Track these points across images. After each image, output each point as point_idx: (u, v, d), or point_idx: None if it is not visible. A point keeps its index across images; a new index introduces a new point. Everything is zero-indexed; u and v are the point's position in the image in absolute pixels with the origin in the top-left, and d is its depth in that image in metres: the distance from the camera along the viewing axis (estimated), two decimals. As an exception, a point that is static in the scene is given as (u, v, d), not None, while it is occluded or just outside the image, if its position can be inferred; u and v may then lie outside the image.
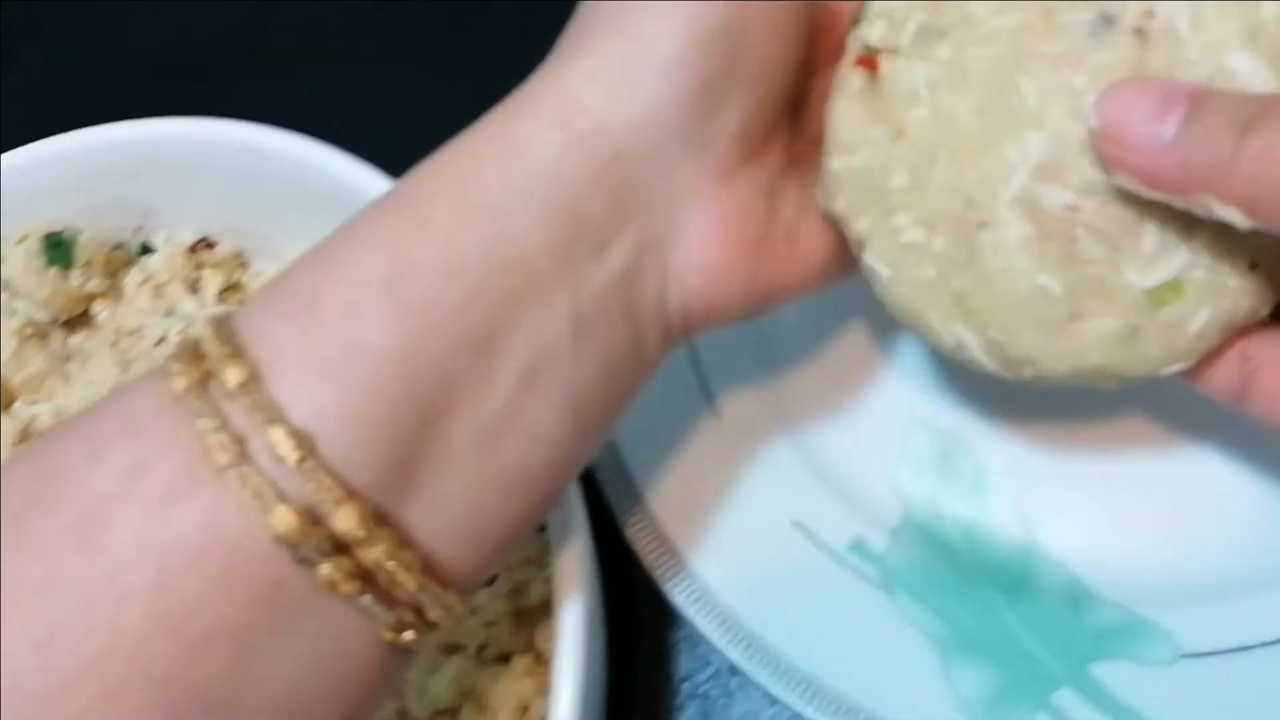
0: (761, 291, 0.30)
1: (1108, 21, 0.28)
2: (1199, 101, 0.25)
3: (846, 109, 0.30)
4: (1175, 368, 0.29)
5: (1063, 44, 0.28)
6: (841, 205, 0.30)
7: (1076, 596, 0.35)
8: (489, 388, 0.25)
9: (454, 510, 0.25)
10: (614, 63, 0.27)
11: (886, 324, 0.35)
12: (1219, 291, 0.28)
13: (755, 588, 0.36)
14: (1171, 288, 0.28)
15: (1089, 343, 0.28)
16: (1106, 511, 0.36)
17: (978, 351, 0.29)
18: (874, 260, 0.30)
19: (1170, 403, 0.37)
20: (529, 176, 0.26)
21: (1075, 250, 0.28)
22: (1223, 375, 0.29)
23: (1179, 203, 0.26)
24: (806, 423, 0.38)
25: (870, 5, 0.30)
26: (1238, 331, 0.29)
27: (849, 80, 0.30)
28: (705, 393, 0.39)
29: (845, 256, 0.31)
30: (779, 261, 0.30)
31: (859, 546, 0.36)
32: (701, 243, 0.28)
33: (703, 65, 0.27)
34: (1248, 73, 0.27)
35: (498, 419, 0.25)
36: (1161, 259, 0.28)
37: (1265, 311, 0.29)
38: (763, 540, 0.36)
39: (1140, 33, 0.28)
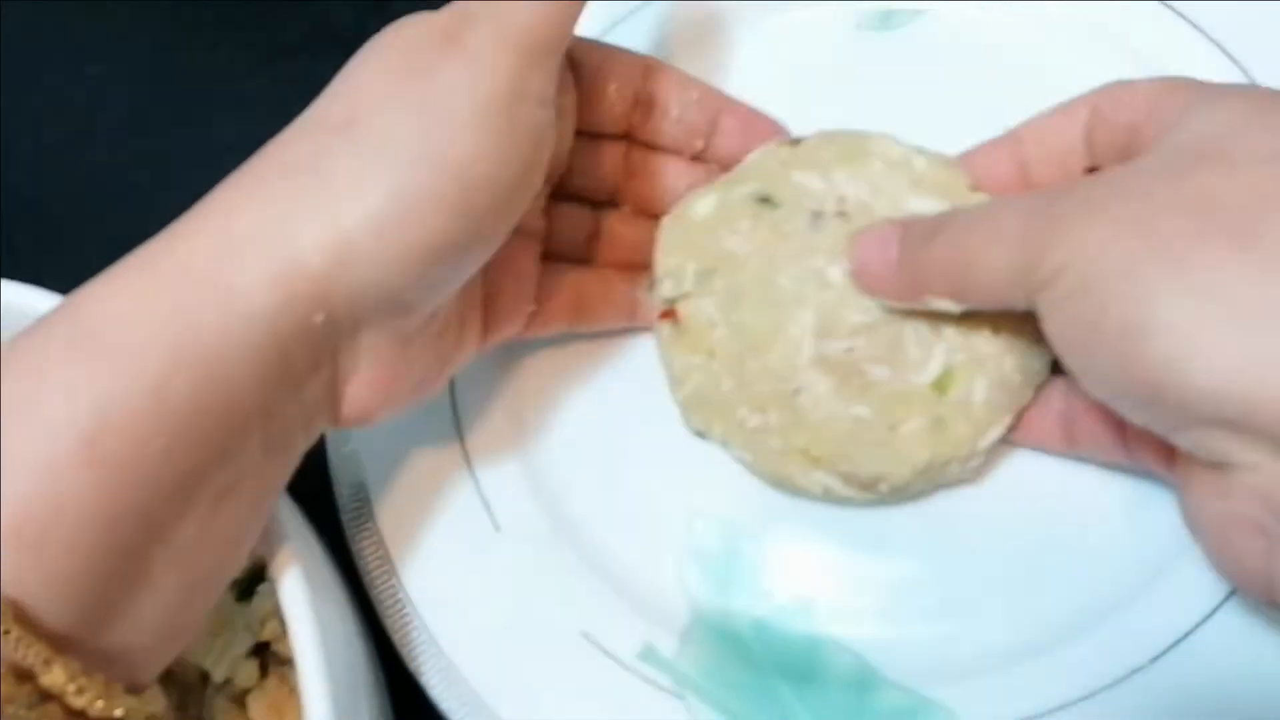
0: (418, 395, 0.33)
1: (817, 216, 0.37)
2: (904, 229, 0.34)
3: (669, 352, 0.38)
4: (993, 436, 0.35)
5: (795, 244, 0.37)
6: (698, 422, 0.38)
7: (864, 680, 0.35)
8: (186, 516, 0.26)
9: (152, 625, 0.26)
10: (345, 224, 0.27)
11: (660, 417, 0.38)
12: (981, 362, 0.35)
13: (545, 706, 0.35)
14: (946, 376, 0.35)
15: (912, 443, 0.35)
16: (886, 590, 0.36)
17: (840, 487, 0.36)
18: (737, 452, 0.37)
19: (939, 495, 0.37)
20: (248, 331, 0.27)
21: (868, 379, 0.35)
22: (1049, 431, 0.36)
23: (917, 305, 0.34)
24: (590, 527, 0.38)
25: (657, 270, 0.38)
26: (1047, 389, 0.35)
27: (661, 330, 0.38)
28: (487, 510, 0.38)
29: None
30: (437, 371, 0.34)
31: (649, 654, 0.36)
32: (372, 384, 0.31)
33: (432, 243, 0.28)
34: (928, 209, 0.36)
35: (193, 540, 0.27)
36: (928, 359, 0.35)
37: (1042, 364, 0.36)
38: (551, 655, 0.36)
39: (842, 214, 0.37)
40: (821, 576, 0.37)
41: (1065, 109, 0.35)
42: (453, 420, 0.40)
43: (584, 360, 0.40)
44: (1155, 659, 0.34)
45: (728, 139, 0.38)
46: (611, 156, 0.38)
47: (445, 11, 0.31)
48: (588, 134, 0.37)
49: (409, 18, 0.31)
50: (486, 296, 0.35)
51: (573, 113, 0.36)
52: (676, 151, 0.38)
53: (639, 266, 0.39)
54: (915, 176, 0.37)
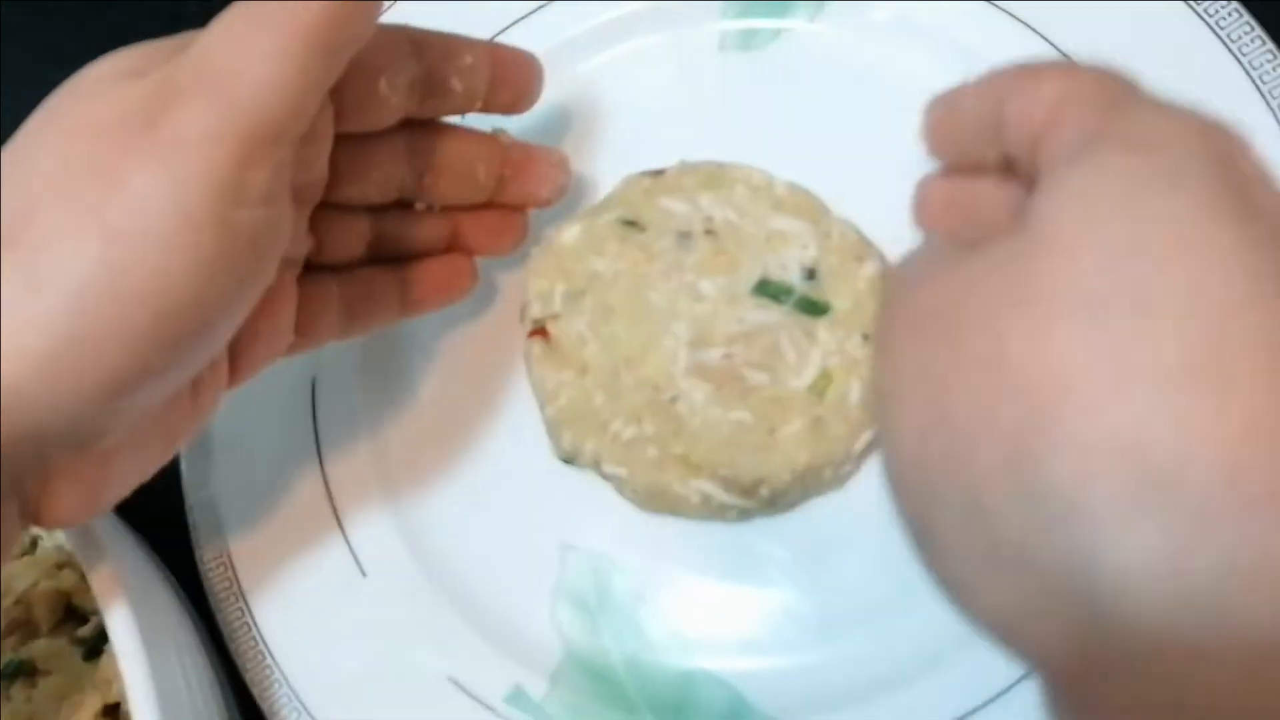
0: (144, 477, 0.30)
1: (685, 236, 0.38)
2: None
3: (539, 370, 0.37)
4: (867, 437, 0.36)
5: (665, 262, 0.37)
6: (568, 441, 0.37)
7: (735, 714, 0.35)
8: None
9: None
10: (8, 369, 0.24)
11: (531, 450, 0.38)
12: (855, 364, 0.36)
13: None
14: (823, 379, 0.36)
15: (792, 445, 0.35)
16: (759, 621, 0.36)
17: (720, 494, 0.35)
18: (610, 469, 0.36)
19: (806, 515, 0.37)
20: None
21: (746, 384, 0.36)
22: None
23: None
24: (459, 567, 0.37)
25: (528, 289, 0.38)
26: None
27: (531, 348, 0.37)
28: (352, 553, 0.38)
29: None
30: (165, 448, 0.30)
31: (517, 696, 0.36)
32: (71, 498, 0.28)
33: (119, 379, 0.25)
34: (790, 227, 0.37)
35: None
36: (805, 363, 0.36)
37: None
38: (416, 702, 0.36)
39: (710, 232, 0.38)
40: (695, 608, 0.36)
41: (977, 106, 0.27)
42: (316, 460, 0.39)
43: (452, 392, 0.40)
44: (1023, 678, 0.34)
45: (505, 89, 0.34)
46: (390, 155, 0.33)
47: (151, 82, 0.25)
48: (358, 135, 0.32)
49: (100, 73, 0.26)
50: (232, 350, 0.30)
51: (329, 130, 0.30)
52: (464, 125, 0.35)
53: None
54: (776, 200, 0.38)
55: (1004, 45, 0.40)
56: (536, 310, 0.38)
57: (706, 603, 0.36)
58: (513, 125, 0.39)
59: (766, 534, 0.37)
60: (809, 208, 0.38)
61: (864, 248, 0.37)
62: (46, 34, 0.47)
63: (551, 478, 0.38)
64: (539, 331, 0.37)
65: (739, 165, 0.39)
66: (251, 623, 0.37)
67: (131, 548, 0.35)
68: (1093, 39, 0.38)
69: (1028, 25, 0.40)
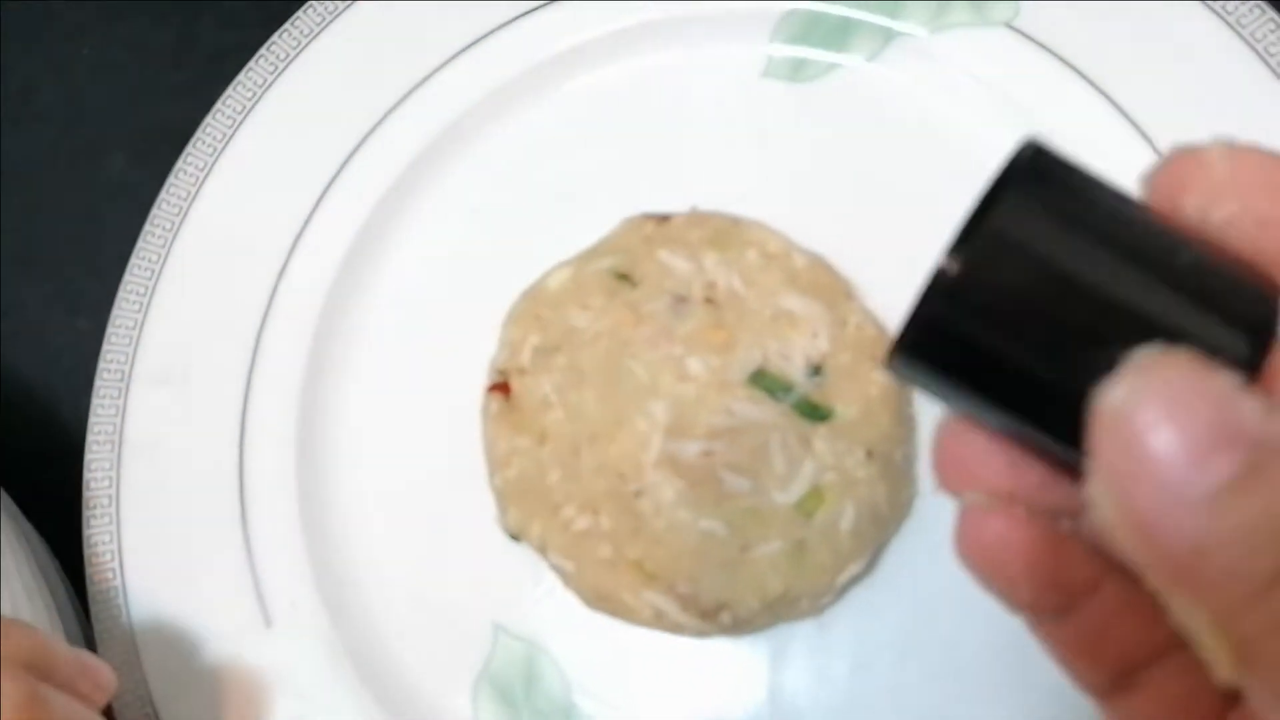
0: None
1: (681, 300, 0.32)
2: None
3: (493, 430, 0.32)
4: (853, 571, 0.30)
5: (652, 327, 0.32)
6: (513, 518, 0.32)
7: None
8: None
9: None
10: None
11: (476, 514, 0.33)
12: (852, 484, 0.30)
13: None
14: (813, 496, 0.30)
15: (766, 569, 0.30)
16: (697, 713, 0.32)
17: (675, 613, 0.30)
18: (556, 559, 0.31)
19: (774, 636, 0.32)
20: None
21: (723, 489, 0.30)
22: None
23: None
24: (379, 634, 0.33)
25: (500, 339, 0.33)
26: None
27: (488, 405, 0.32)
28: (261, 605, 0.34)
29: None
30: None
31: None
32: None
33: None
34: (802, 310, 0.31)
35: None
36: (794, 474, 0.30)
37: (911, 497, 0.31)
38: None
39: (710, 301, 0.32)
40: (626, 699, 0.32)
41: None
42: (238, 501, 0.34)
43: (399, 438, 0.35)
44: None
45: None
46: None
47: None
48: None
49: None
50: None
51: None
52: None
53: None
54: (791, 273, 0.32)
55: (1072, 105, 0.35)
56: (502, 358, 0.32)
57: (651, 709, 0.32)
58: (506, 144, 0.34)
59: (727, 649, 0.32)
60: (828, 288, 0.32)
61: (882, 346, 0.31)
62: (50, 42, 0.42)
63: (494, 549, 0.33)
64: (500, 386, 0.32)
65: (755, 224, 0.33)
66: (143, 678, 0.33)
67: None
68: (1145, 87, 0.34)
69: (1094, 84, 0.35)
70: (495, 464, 0.32)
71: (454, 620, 0.33)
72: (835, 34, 0.37)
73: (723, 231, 0.33)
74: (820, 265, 0.33)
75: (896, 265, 0.34)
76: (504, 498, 0.32)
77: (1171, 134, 0.34)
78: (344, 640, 0.33)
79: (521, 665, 0.33)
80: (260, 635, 0.33)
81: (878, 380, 0.31)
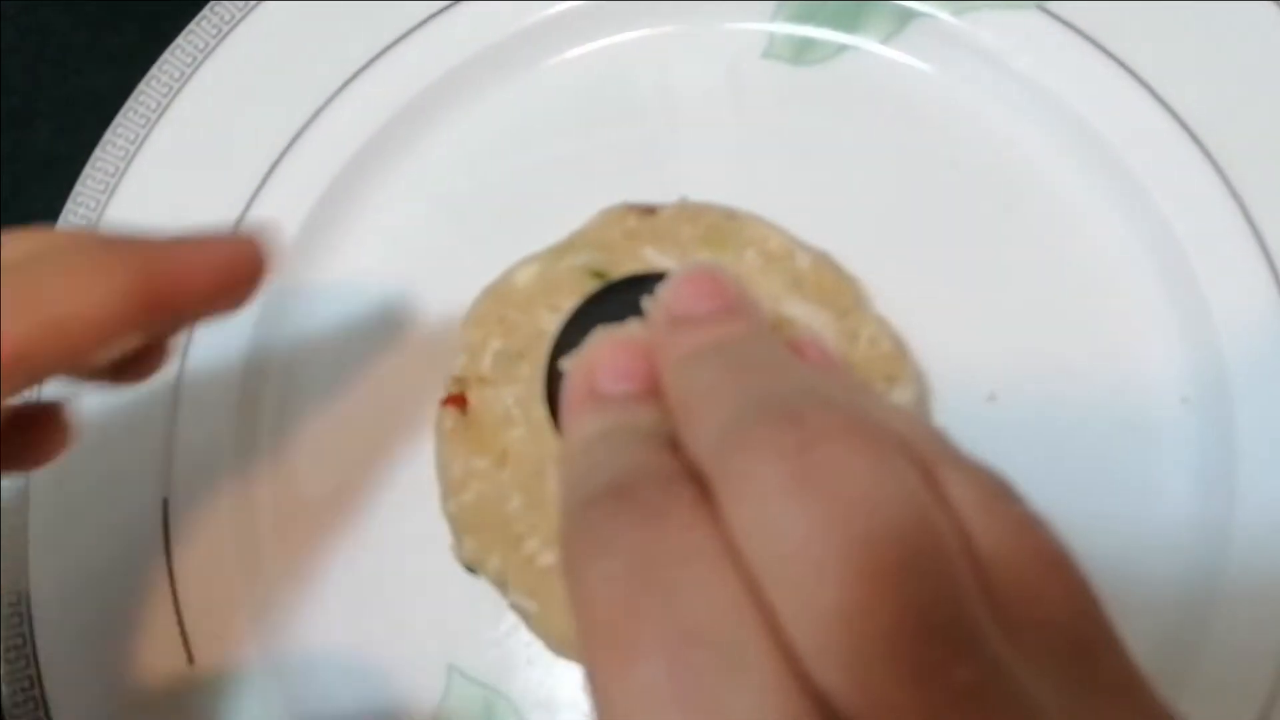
0: None
1: (667, 303, 0.28)
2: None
3: (448, 449, 0.28)
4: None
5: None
6: (470, 549, 0.27)
7: None
8: None
9: None
10: None
11: (431, 543, 0.29)
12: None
13: None
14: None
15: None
16: None
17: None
18: (517, 598, 0.27)
19: None
20: None
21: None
22: None
23: None
24: (318, 675, 0.29)
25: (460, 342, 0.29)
26: None
27: (443, 420, 0.28)
28: (184, 643, 0.30)
29: None
30: None
31: None
32: None
33: None
34: (804, 316, 0.27)
35: None
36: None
37: None
38: None
39: (700, 304, 0.28)
40: None
41: None
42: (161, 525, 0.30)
43: (341, 461, 0.30)
44: None
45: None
46: None
47: None
48: None
49: None
50: None
51: None
52: None
53: None
54: (796, 276, 0.28)
55: (1109, 96, 0.31)
56: (460, 365, 0.28)
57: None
58: (473, 124, 0.30)
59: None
60: (836, 292, 0.28)
61: (898, 364, 0.27)
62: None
63: (449, 582, 0.29)
64: (456, 399, 0.28)
65: (753, 219, 0.29)
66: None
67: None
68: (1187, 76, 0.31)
69: (1133, 73, 0.31)
70: (450, 487, 0.27)
71: (403, 661, 0.29)
72: (846, 12, 0.32)
73: (717, 228, 0.29)
74: (826, 265, 0.28)
75: (909, 268, 0.30)
76: (459, 526, 0.27)
77: (1213, 125, 0.30)
78: (277, 682, 0.29)
79: (478, 712, 0.29)
80: (182, 675, 0.29)
81: (893, 402, 0.27)
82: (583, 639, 0.16)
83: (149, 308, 0.21)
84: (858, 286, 0.29)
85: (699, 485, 0.17)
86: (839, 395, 0.17)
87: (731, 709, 0.15)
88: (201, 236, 0.23)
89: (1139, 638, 0.18)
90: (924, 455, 0.17)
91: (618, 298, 0.27)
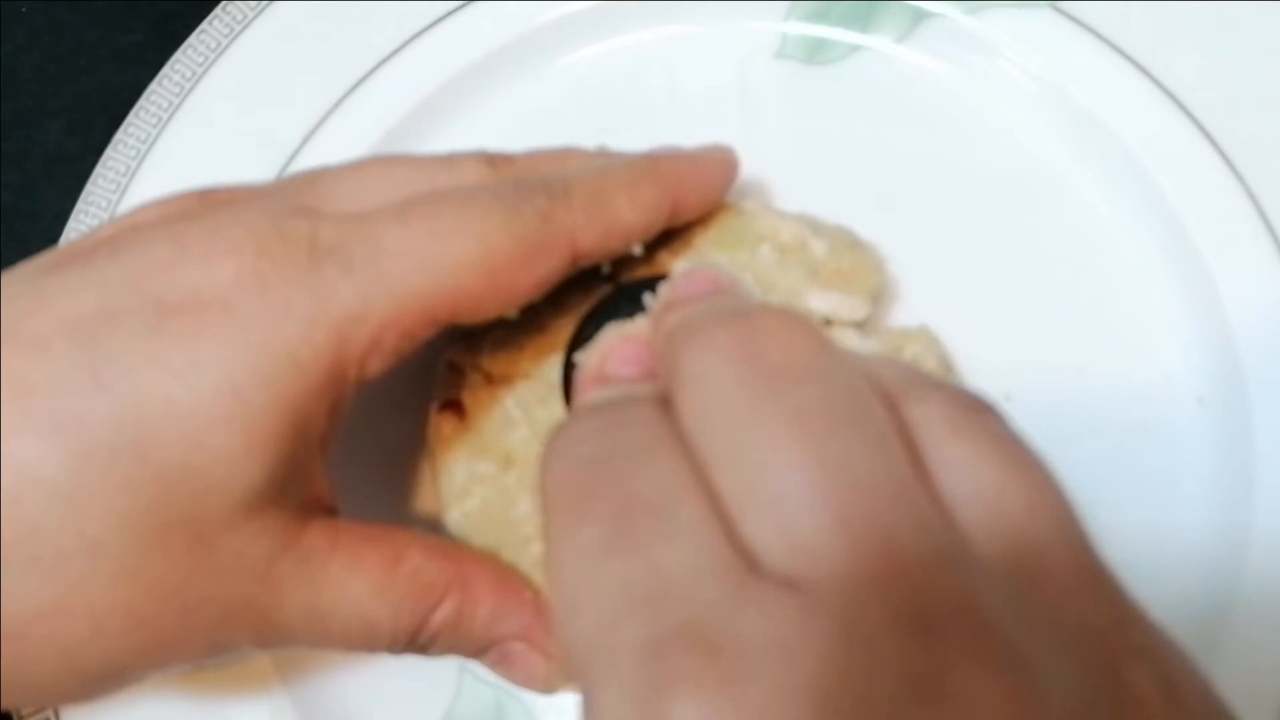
0: None
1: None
2: None
3: (449, 456, 0.27)
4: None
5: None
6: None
7: None
8: None
9: None
10: None
11: None
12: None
13: None
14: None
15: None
16: None
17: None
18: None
19: None
20: None
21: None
22: None
23: None
24: (328, 679, 0.29)
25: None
26: None
27: (440, 428, 0.27)
28: None
29: None
30: None
31: None
32: None
33: None
34: (828, 307, 0.27)
35: None
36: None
37: None
38: None
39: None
40: None
41: None
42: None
43: (349, 468, 0.29)
44: None
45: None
46: None
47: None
48: None
49: None
50: None
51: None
52: None
53: None
54: (813, 265, 0.27)
55: (1123, 96, 0.30)
56: (456, 352, 0.27)
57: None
58: (486, 122, 0.29)
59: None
60: (856, 274, 0.27)
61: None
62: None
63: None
64: (451, 405, 0.27)
65: (764, 210, 0.28)
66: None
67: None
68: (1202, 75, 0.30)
69: (1146, 72, 0.30)
70: (452, 495, 0.27)
71: (415, 662, 0.29)
72: (859, 11, 0.32)
73: (729, 228, 0.28)
74: (842, 246, 0.28)
75: (924, 268, 0.30)
76: (464, 534, 0.27)
77: (1228, 124, 0.30)
78: (290, 684, 0.29)
79: (489, 713, 0.29)
80: (190, 676, 0.29)
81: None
82: (544, 517, 0.18)
83: (668, 218, 0.26)
84: (875, 256, 0.28)
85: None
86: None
87: (660, 559, 0.16)
88: (689, 151, 0.27)
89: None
90: (887, 384, 0.18)
91: (630, 301, 0.27)
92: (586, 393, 0.21)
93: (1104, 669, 0.16)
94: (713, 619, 0.15)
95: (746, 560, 0.16)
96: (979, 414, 0.18)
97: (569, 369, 0.27)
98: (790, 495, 0.16)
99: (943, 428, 0.17)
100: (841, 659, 0.15)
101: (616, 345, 0.21)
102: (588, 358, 0.21)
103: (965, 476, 0.17)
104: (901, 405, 0.18)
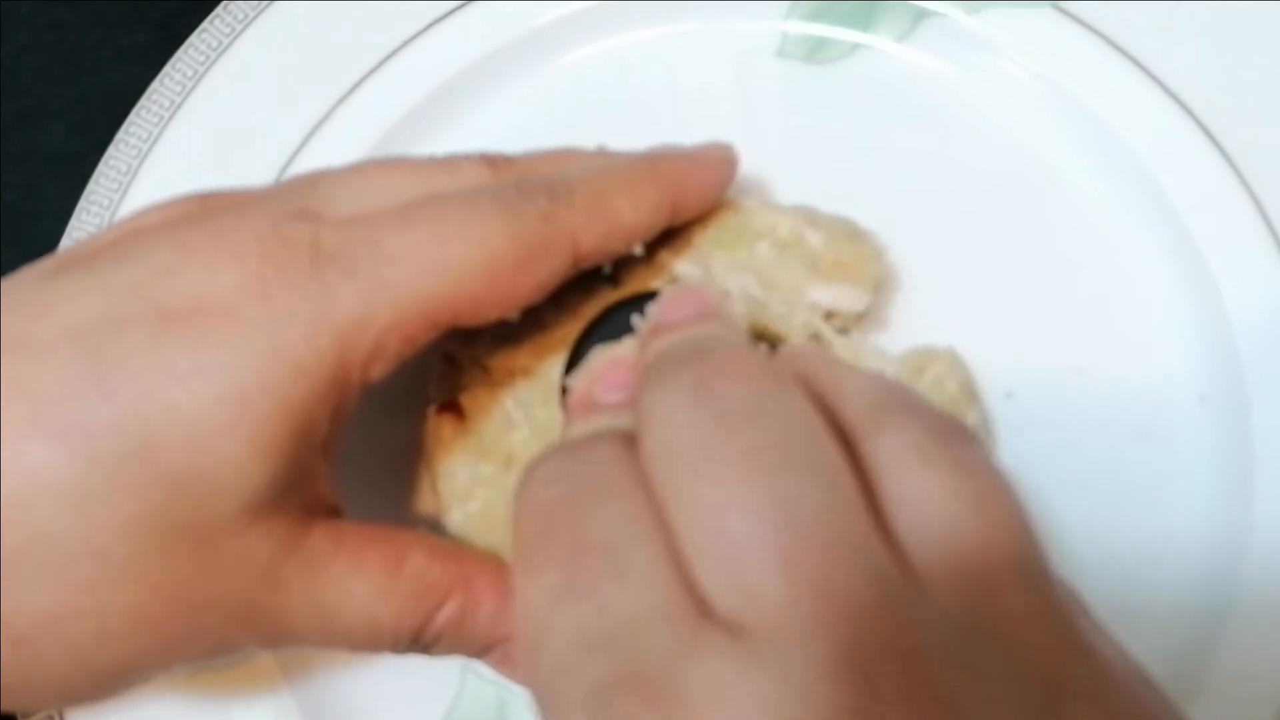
0: None
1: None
2: None
3: (448, 459, 0.27)
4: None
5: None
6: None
7: None
8: None
9: None
10: None
11: None
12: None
13: None
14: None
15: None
16: None
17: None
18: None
19: None
20: None
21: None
22: None
23: None
24: (330, 678, 0.29)
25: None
26: None
27: (439, 430, 0.27)
28: None
29: None
30: None
31: None
32: None
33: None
34: (829, 299, 0.27)
35: None
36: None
37: None
38: None
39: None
40: None
41: None
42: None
43: (348, 471, 0.30)
44: None
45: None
46: None
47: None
48: None
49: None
50: None
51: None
52: None
53: None
54: (812, 258, 0.27)
55: (1124, 95, 0.30)
56: (451, 349, 0.27)
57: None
58: (484, 123, 0.29)
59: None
60: (856, 264, 0.27)
61: (964, 404, 0.27)
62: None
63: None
64: (449, 406, 0.27)
65: (759, 205, 0.28)
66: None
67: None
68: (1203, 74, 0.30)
69: (1148, 71, 0.30)
70: (454, 497, 0.27)
71: (417, 661, 0.29)
72: (859, 10, 0.32)
73: (727, 226, 0.28)
74: (840, 236, 0.28)
75: (925, 266, 0.30)
76: (467, 536, 0.27)
77: (1229, 124, 0.29)
78: (294, 683, 0.29)
79: (491, 711, 0.29)
80: (193, 676, 0.29)
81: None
82: (513, 556, 0.18)
83: (669, 217, 0.26)
84: (875, 245, 0.28)
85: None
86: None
87: (611, 604, 0.16)
88: (688, 149, 0.27)
89: (1153, 644, 0.17)
90: (858, 413, 0.18)
91: (625, 314, 0.27)
92: (574, 419, 0.21)
93: (1042, 710, 0.16)
94: (657, 666, 0.16)
95: (698, 603, 0.16)
96: (949, 443, 0.18)
97: (570, 370, 0.27)
98: (737, 539, 0.16)
99: (909, 456, 0.18)
100: (776, 706, 0.15)
101: (604, 370, 0.22)
102: (577, 382, 0.22)
103: (922, 508, 0.17)
104: (870, 435, 0.18)
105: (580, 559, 0.17)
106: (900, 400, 0.19)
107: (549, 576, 0.17)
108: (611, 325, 0.28)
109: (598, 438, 0.19)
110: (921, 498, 0.17)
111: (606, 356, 0.22)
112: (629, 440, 0.19)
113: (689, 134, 0.31)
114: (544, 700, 0.17)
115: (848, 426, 0.18)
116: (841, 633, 0.15)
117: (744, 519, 0.16)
